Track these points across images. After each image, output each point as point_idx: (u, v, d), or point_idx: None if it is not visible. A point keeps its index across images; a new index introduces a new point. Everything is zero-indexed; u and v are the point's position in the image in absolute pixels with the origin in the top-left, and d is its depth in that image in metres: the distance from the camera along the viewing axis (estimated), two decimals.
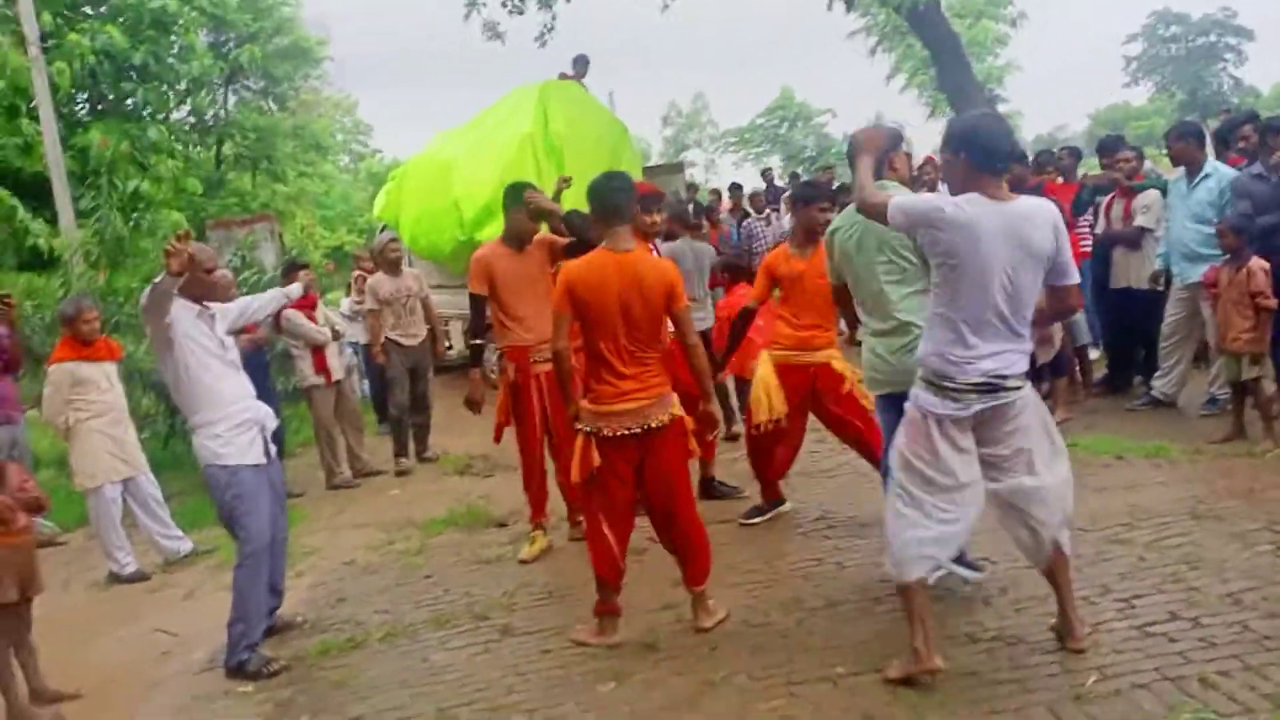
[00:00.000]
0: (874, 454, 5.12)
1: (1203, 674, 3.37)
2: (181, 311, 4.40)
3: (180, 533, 6.49)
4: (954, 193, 3.48)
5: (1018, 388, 3.48)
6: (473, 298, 5.46)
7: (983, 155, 3.39)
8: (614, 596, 4.27)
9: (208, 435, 4.45)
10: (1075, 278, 3.56)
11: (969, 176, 3.42)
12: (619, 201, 4.11)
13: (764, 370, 5.29)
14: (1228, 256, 5.95)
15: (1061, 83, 60.89)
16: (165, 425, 8.97)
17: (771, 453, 5.44)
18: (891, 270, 4.20)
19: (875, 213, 3.55)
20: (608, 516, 4.18)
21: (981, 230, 3.30)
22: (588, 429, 4.11)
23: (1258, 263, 5.84)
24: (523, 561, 5.35)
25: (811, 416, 5.41)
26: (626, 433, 4.06)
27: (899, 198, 3.49)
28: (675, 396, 4.21)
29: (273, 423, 4.69)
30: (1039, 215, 3.41)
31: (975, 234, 3.30)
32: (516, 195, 5.37)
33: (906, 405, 3.60)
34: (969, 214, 3.32)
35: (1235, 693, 3.25)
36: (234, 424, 4.46)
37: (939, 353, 3.46)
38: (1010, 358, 3.43)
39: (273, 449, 4.67)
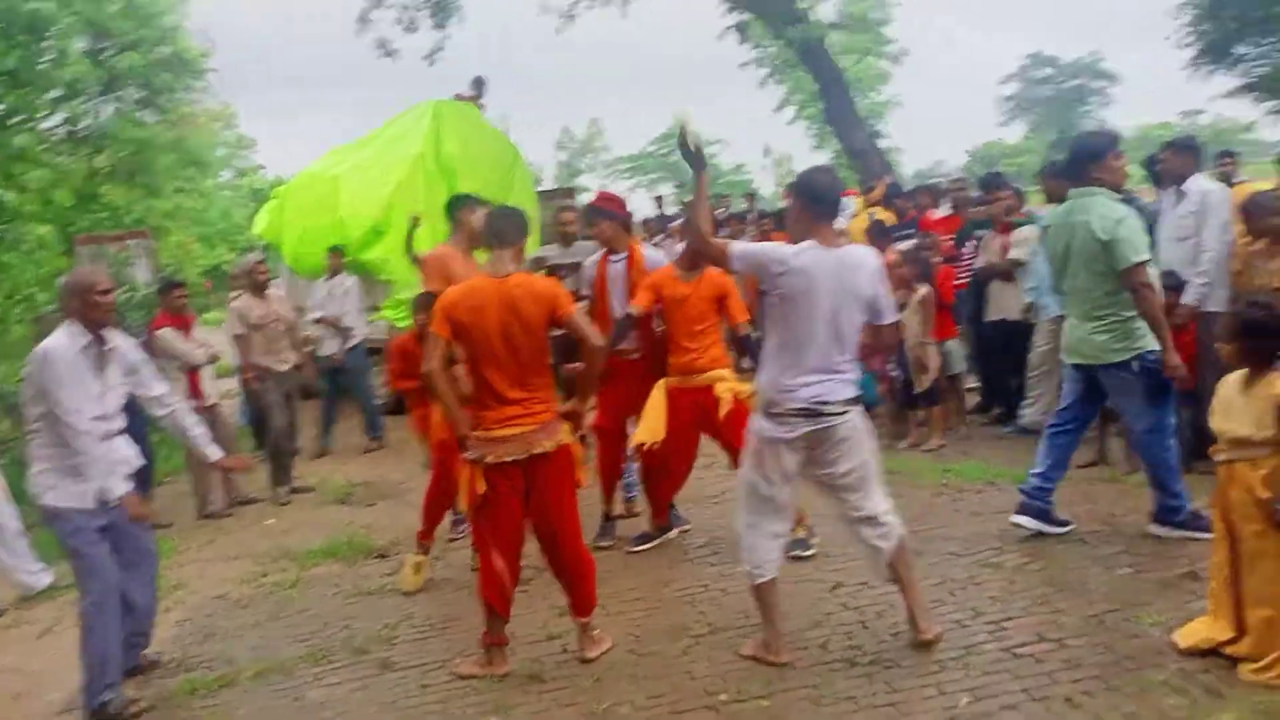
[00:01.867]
0: None
1: (1069, 694, 3.51)
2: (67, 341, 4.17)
3: (39, 565, 6.14)
4: (793, 235, 3.96)
5: (842, 413, 3.90)
6: (427, 295, 5.26)
7: (816, 205, 3.90)
8: (502, 627, 4.21)
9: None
10: (892, 316, 4.06)
11: (804, 223, 3.92)
12: (500, 227, 4.16)
13: (655, 394, 5.32)
14: None
15: (940, 120, 63.33)
16: (25, 451, 8.51)
17: (659, 476, 5.47)
18: (1091, 273, 4.71)
19: (715, 258, 4.04)
20: (497, 546, 4.11)
21: (814, 275, 3.78)
22: (473, 456, 4.05)
23: None
24: (405, 593, 5.20)
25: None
26: (510, 460, 4.01)
27: (737, 245, 4.03)
28: (563, 425, 4.17)
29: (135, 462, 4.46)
30: (862, 263, 3.92)
31: (809, 278, 3.77)
32: (461, 202, 5.63)
33: (747, 433, 4.09)
34: (803, 261, 3.79)
35: (1100, 713, 3.38)
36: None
37: (771, 382, 3.92)
38: (832, 386, 3.87)
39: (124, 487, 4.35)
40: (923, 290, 7.05)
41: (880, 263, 4.05)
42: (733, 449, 5.20)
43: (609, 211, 5.66)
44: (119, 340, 4.38)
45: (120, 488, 4.22)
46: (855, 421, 3.98)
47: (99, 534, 4.23)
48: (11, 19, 18.29)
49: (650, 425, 5.24)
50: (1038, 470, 5.11)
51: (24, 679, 4.83)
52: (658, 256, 5.87)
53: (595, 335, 4.16)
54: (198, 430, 4.63)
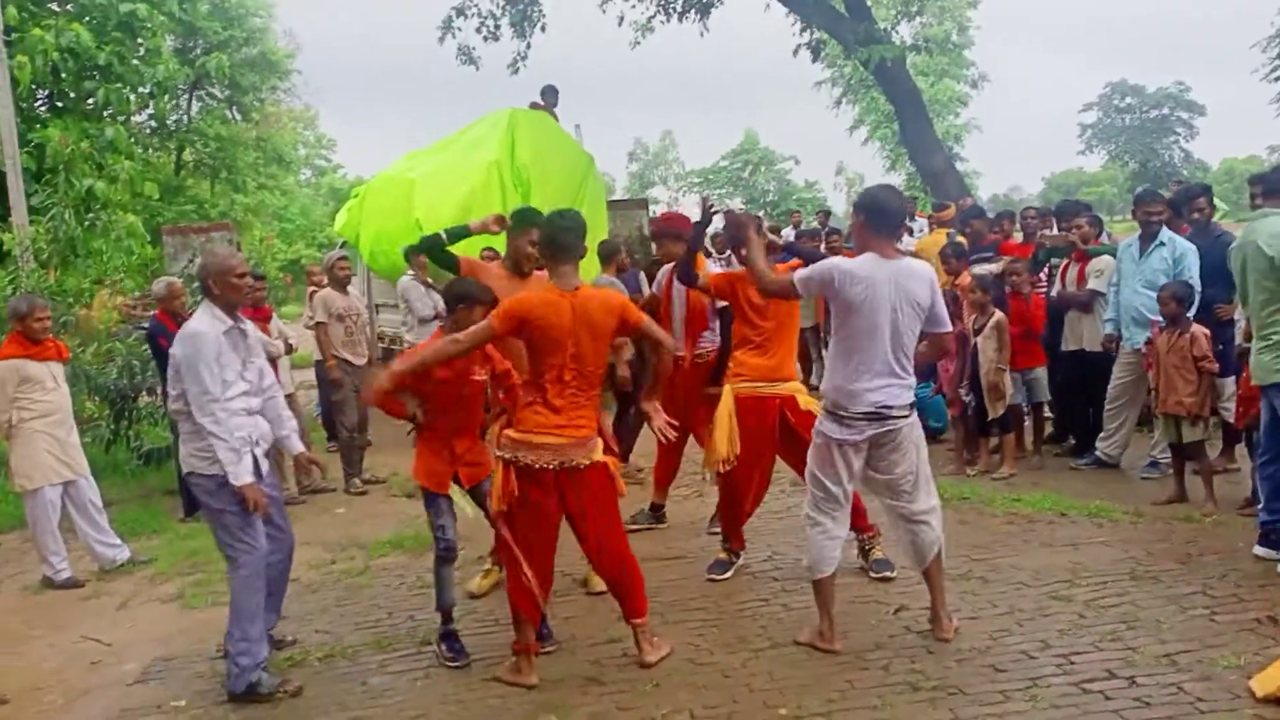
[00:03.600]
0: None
1: None
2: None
3: (118, 540, 6.35)
4: (856, 248, 4.19)
5: (903, 416, 4.15)
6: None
7: (877, 219, 4.11)
8: (532, 634, 4.21)
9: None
10: (948, 326, 4.30)
11: (865, 236, 4.13)
12: (566, 241, 4.11)
13: (724, 405, 5.18)
14: (1166, 322, 6.12)
15: (1018, 145, 62.58)
16: (109, 430, 8.79)
17: (738, 492, 5.29)
18: (1260, 290, 4.88)
19: (781, 291, 4.31)
20: (527, 552, 4.12)
21: (872, 285, 3.99)
22: (506, 455, 4.08)
23: (1199, 329, 6.02)
24: (472, 596, 5.19)
25: None
26: (545, 466, 4.03)
27: (800, 273, 4.21)
28: (600, 442, 4.18)
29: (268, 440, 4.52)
30: (919, 273, 4.15)
31: (868, 287, 3.99)
32: (521, 220, 5.06)
33: (813, 432, 4.32)
34: (862, 272, 4.01)
35: None
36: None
37: (836, 386, 4.15)
38: (894, 391, 4.10)
39: (265, 465, 4.44)
40: (997, 315, 6.96)
41: (934, 274, 4.26)
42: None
43: (673, 232, 5.75)
44: (249, 324, 4.47)
45: (246, 475, 4.23)
46: (915, 425, 4.24)
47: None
48: (106, 16, 18.96)
49: (725, 437, 5.10)
50: (1263, 505, 5.14)
51: (101, 649, 4.99)
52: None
53: (668, 338, 4.32)
54: (291, 423, 4.66)
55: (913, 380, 4.20)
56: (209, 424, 4.12)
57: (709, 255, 12.28)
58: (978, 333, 6.99)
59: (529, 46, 17.22)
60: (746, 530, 5.51)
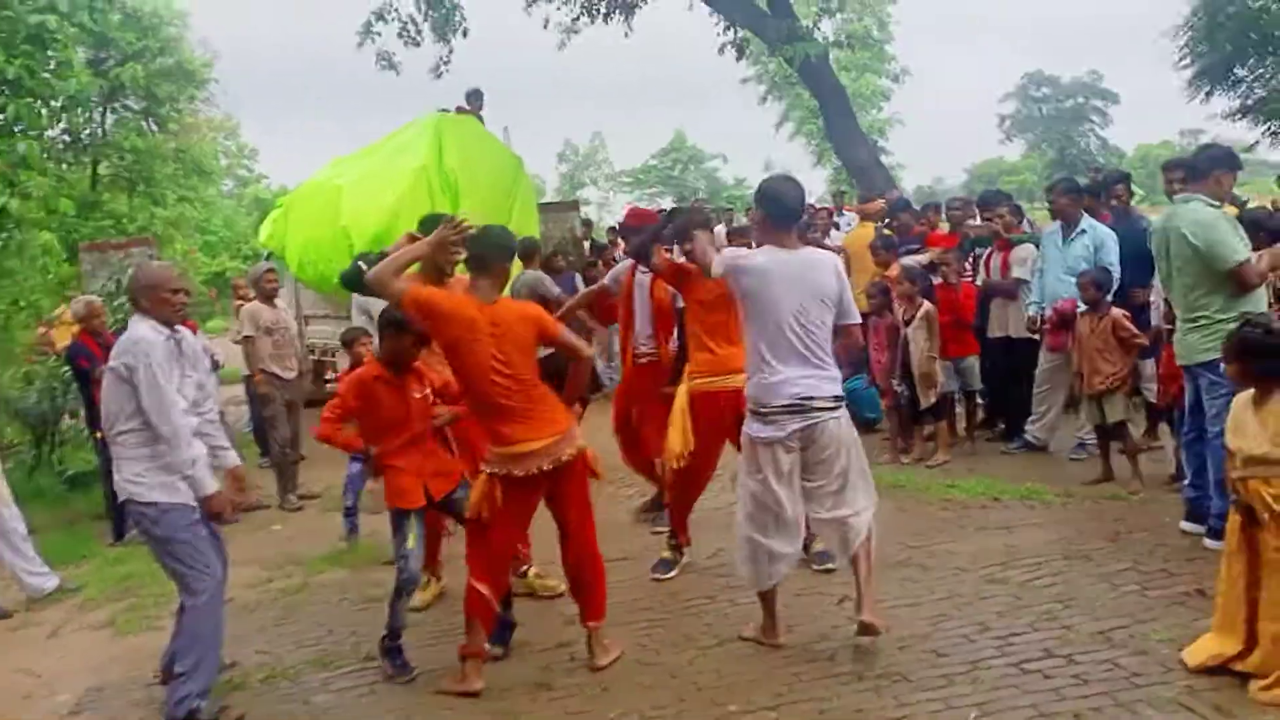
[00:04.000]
0: None
1: (1077, 710, 3.52)
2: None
3: (46, 568, 6.15)
4: (756, 240, 4.27)
5: (828, 409, 4.06)
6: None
7: (775, 211, 4.13)
8: (483, 638, 4.19)
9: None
10: (856, 317, 4.27)
11: (764, 229, 4.18)
12: (483, 254, 4.12)
13: (679, 401, 5.21)
14: (1087, 307, 6.28)
15: (940, 137, 63.55)
16: (31, 456, 8.52)
17: (687, 489, 5.36)
18: (1184, 275, 4.91)
19: (706, 271, 4.36)
20: (489, 562, 4.13)
21: (773, 274, 4.00)
22: (497, 471, 4.07)
23: (1118, 311, 6.20)
24: (414, 610, 5.02)
25: None
26: (538, 472, 4.04)
27: (718, 256, 4.26)
28: (578, 431, 4.22)
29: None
30: (823, 263, 4.18)
31: (767, 278, 4.00)
32: (430, 227, 5.10)
33: (741, 439, 4.23)
34: (756, 263, 4.06)
35: None
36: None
37: (754, 382, 4.10)
38: (814, 382, 4.03)
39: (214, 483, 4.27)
40: (926, 305, 7.08)
41: (839, 263, 4.32)
42: None
43: (637, 228, 5.84)
44: (184, 333, 4.30)
45: (212, 483, 4.11)
46: (844, 420, 4.14)
47: (203, 527, 4.14)
48: (14, 29, 18.34)
49: (680, 434, 5.14)
50: (1188, 482, 5.25)
51: (32, 681, 4.83)
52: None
53: (585, 347, 4.35)
54: (222, 437, 4.54)
55: (835, 371, 4.13)
56: (168, 432, 3.97)
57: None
58: (908, 324, 7.10)
59: (451, 51, 17.07)
60: (689, 527, 5.53)
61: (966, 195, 14.11)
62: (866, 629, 4.06)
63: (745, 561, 4.22)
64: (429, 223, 4.93)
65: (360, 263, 4.79)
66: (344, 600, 5.48)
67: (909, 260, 7.81)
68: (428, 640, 4.75)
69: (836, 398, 4.12)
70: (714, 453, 5.28)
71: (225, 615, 4.81)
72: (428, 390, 4.50)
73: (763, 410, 4.07)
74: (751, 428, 4.12)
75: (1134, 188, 8.39)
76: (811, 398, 4.02)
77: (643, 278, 5.77)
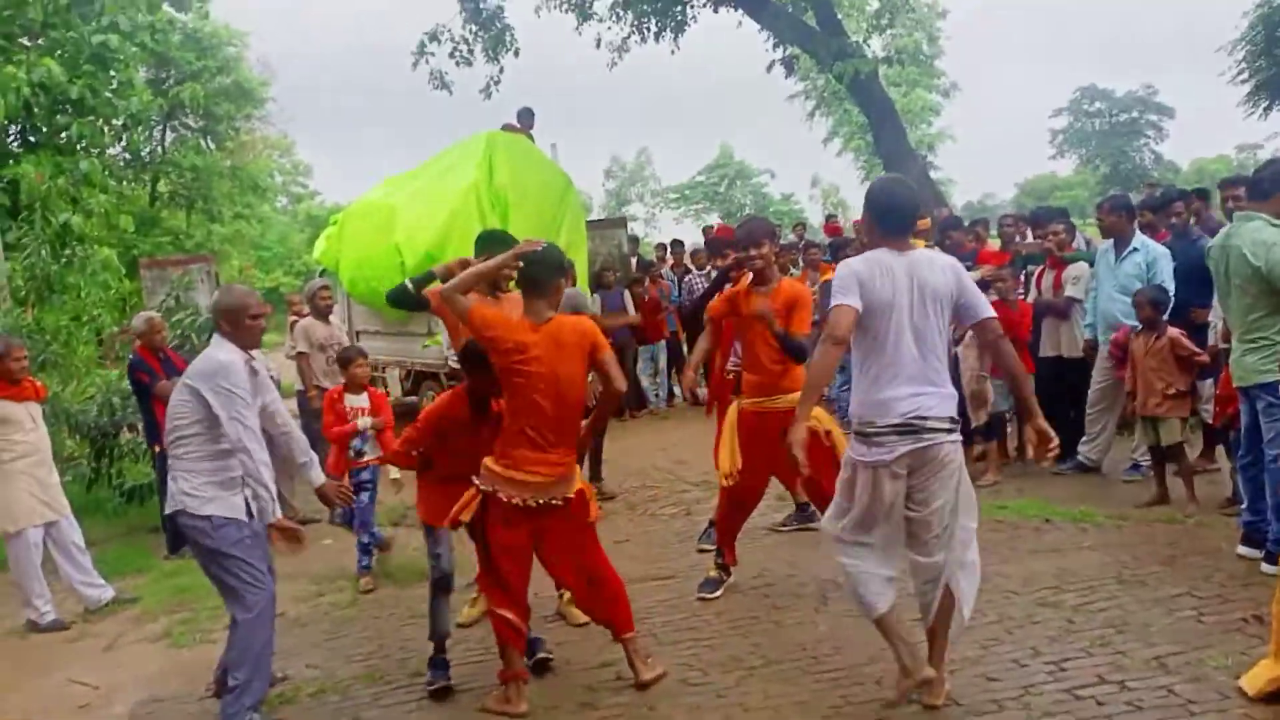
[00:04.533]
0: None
1: None
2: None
3: (102, 580, 6.29)
4: (867, 243, 3.84)
5: (943, 429, 3.59)
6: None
7: (885, 218, 3.69)
8: (519, 661, 4.20)
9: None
10: (988, 311, 3.73)
11: (874, 236, 3.74)
12: (535, 275, 4.12)
13: (729, 419, 5.22)
14: (1142, 326, 6.18)
15: (991, 152, 63.05)
16: (90, 469, 8.72)
17: (736, 509, 5.34)
18: (1244, 294, 4.82)
19: (829, 352, 3.61)
20: (506, 584, 4.13)
21: (878, 279, 3.57)
22: (486, 488, 4.07)
23: (1175, 331, 6.09)
24: (460, 625, 5.13)
25: None
26: (521, 503, 4.03)
27: (836, 296, 3.59)
28: (578, 473, 4.22)
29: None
30: (939, 263, 3.71)
31: (873, 283, 3.56)
32: (487, 243, 4.99)
33: (842, 462, 3.85)
34: (869, 267, 3.59)
35: None
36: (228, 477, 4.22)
37: (860, 400, 3.67)
38: (928, 400, 3.58)
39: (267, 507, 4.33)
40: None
41: (957, 262, 3.84)
42: (817, 479, 5.17)
43: (729, 241, 5.82)
44: (258, 357, 4.42)
45: (270, 503, 4.20)
46: (958, 449, 3.69)
47: (255, 544, 4.23)
48: (78, 50, 18.93)
49: (729, 453, 5.14)
50: (1246, 506, 5.16)
51: (89, 692, 4.93)
52: (801, 287, 5.92)
53: (619, 377, 4.19)
54: (307, 457, 4.56)
55: (951, 389, 3.68)
56: (256, 449, 4.08)
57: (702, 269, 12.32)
58: (958, 341, 7.03)
59: (502, 70, 17.29)
60: (735, 547, 5.52)
61: (1019, 211, 13.95)
62: (927, 688, 3.74)
63: (850, 592, 3.86)
64: (485, 240, 5.01)
65: (408, 283, 4.86)
66: (392, 616, 5.54)
67: None
68: (473, 657, 4.79)
69: (953, 419, 3.65)
70: (764, 473, 5.26)
71: (277, 629, 4.95)
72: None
73: (868, 431, 3.62)
74: (855, 450, 3.69)
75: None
76: (925, 417, 3.57)
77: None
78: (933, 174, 22.61)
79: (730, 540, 5.43)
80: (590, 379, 4.36)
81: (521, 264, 4.16)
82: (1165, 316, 6.20)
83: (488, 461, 4.10)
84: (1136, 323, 6.30)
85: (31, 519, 5.98)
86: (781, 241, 13.41)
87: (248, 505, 4.22)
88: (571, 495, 4.11)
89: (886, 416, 3.57)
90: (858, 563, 3.73)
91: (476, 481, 4.11)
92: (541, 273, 4.13)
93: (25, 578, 5.97)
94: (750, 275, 5.19)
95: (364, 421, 6.15)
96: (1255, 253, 4.71)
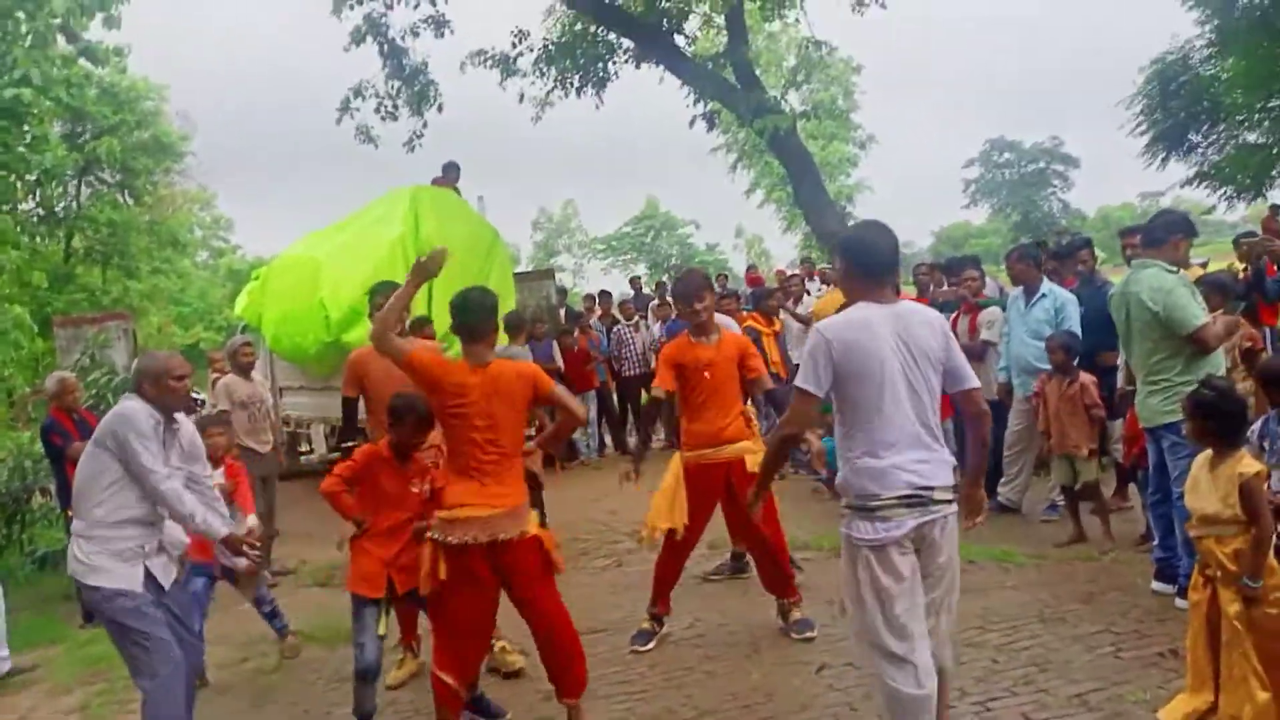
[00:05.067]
0: (777, 559, 5.24)
1: None
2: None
3: (3, 651, 5.99)
4: (845, 299, 3.54)
5: (945, 501, 3.29)
6: (344, 400, 5.43)
7: (861, 265, 3.41)
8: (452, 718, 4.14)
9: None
10: (973, 381, 3.45)
11: (851, 286, 3.45)
12: (471, 322, 4.14)
13: (671, 474, 5.22)
14: (1055, 370, 6.41)
15: (907, 202, 64.88)
16: (1, 535, 8.39)
17: (674, 561, 5.35)
18: (1145, 339, 5.01)
19: (797, 422, 3.46)
20: (449, 646, 4.08)
21: (869, 335, 3.27)
22: (435, 536, 4.05)
23: (1087, 376, 6.33)
24: (390, 687, 5.03)
25: None
26: (475, 541, 3.99)
27: (801, 379, 3.35)
28: (533, 514, 4.19)
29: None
30: (925, 314, 3.45)
31: (864, 339, 3.26)
32: (378, 292, 5.32)
33: (842, 551, 3.42)
34: (847, 332, 3.30)
35: None
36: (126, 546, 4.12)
37: (857, 470, 3.30)
38: (930, 467, 3.27)
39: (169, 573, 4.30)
40: None
41: (943, 319, 3.63)
42: (752, 533, 5.22)
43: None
44: (183, 423, 4.34)
45: (221, 528, 4.18)
46: (956, 516, 3.38)
47: (158, 611, 4.12)
48: None
49: (675, 509, 5.13)
50: (1157, 543, 5.30)
51: None
52: (728, 321, 6.08)
53: (578, 406, 4.35)
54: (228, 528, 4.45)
55: (949, 455, 3.37)
56: (160, 494, 4.03)
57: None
58: None
59: (425, 125, 17.34)
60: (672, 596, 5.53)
61: (933, 259, 14.36)
62: None
63: (889, 713, 3.32)
64: (375, 290, 5.31)
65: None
66: (319, 679, 5.41)
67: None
68: (404, 718, 4.70)
69: (954, 488, 3.36)
70: (703, 522, 5.31)
71: (199, 698, 4.80)
72: (426, 487, 4.48)
73: (871, 505, 3.24)
74: (856, 529, 3.27)
75: (1097, 251, 8.58)
76: (931, 487, 3.25)
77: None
78: (851, 223, 23.15)
79: (666, 591, 5.43)
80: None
81: (453, 317, 4.17)
82: (1075, 361, 6.43)
83: (436, 511, 4.08)
84: (1047, 366, 6.52)
85: None
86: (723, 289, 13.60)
87: (148, 575, 4.12)
88: (520, 534, 4.04)
89: (891, 488, 3.23)
90: (905, 680, 3.22)
91: (428, 533, 4.07)
92: (475, 317, 4.14)
93: None
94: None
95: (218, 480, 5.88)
96: (1154, 299, 4.94)
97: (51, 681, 5.89)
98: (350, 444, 5.58)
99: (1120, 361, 6.45)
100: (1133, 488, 6.86)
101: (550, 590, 4.20)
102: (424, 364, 4.07)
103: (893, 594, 3.23)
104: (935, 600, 3.35)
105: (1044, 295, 6.98)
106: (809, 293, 11.79)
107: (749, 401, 5.80)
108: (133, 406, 4.12)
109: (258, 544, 4.67)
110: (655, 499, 5.30)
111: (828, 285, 10.79)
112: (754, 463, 5.11)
